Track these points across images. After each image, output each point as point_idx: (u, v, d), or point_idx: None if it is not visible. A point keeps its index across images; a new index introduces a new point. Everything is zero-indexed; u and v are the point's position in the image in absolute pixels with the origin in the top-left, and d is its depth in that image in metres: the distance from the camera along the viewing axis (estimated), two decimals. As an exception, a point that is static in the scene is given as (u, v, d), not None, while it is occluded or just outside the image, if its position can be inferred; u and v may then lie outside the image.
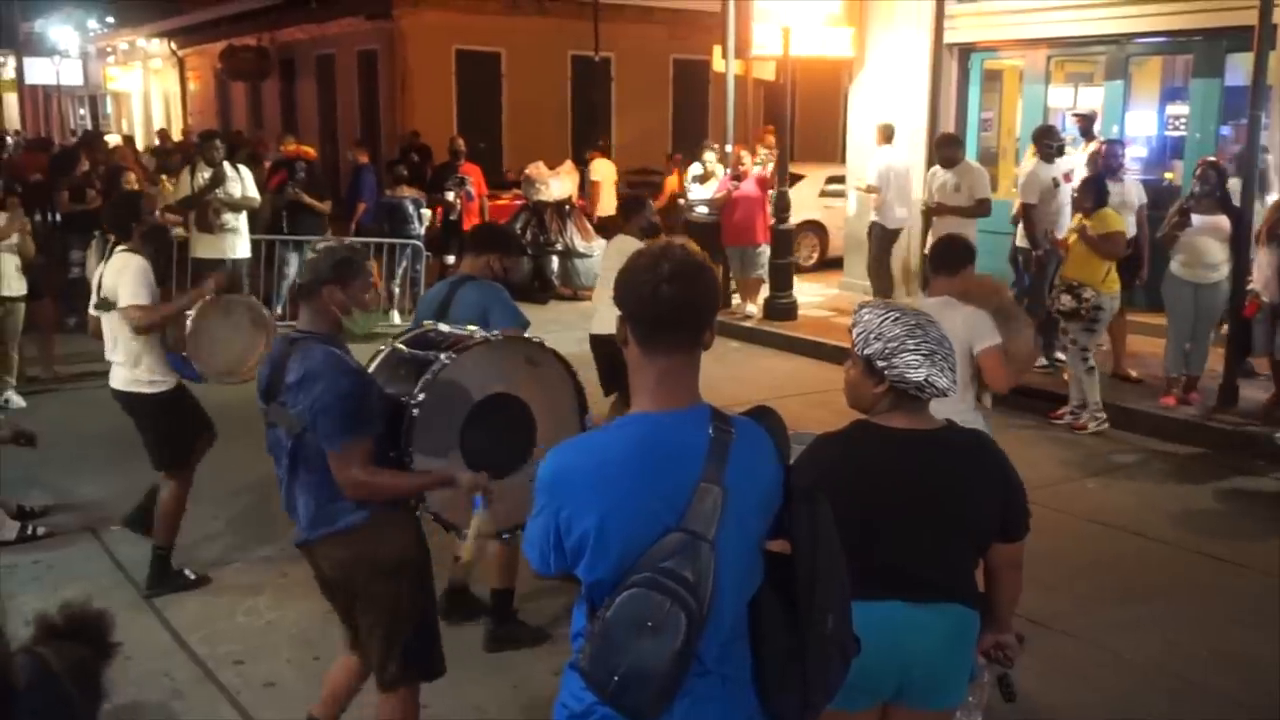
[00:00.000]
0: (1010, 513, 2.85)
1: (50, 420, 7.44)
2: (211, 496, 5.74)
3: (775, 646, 2.27)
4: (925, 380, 2.69)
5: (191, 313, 5.41)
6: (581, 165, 15.43)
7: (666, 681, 2.06)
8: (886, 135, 11.44)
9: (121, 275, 5.30)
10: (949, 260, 4.82)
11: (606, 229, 13.21)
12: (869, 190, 11.37)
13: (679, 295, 2.16)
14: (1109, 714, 4.44)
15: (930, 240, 9.59)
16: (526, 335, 4.19)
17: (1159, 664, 4.84)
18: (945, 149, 9.79)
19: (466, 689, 4.46)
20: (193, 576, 5.50)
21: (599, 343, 6.89)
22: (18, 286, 8.39)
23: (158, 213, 9.66)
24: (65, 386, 9.09)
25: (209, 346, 5.42)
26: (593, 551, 2.13)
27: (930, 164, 10.31)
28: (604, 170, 14.91)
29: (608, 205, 14.65)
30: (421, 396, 3.49)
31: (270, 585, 5.48)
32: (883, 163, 11.32)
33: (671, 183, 14.72)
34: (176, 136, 21.68)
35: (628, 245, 6.65)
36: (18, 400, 8.44)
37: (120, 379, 5.46)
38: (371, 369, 3.75)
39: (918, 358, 2.68)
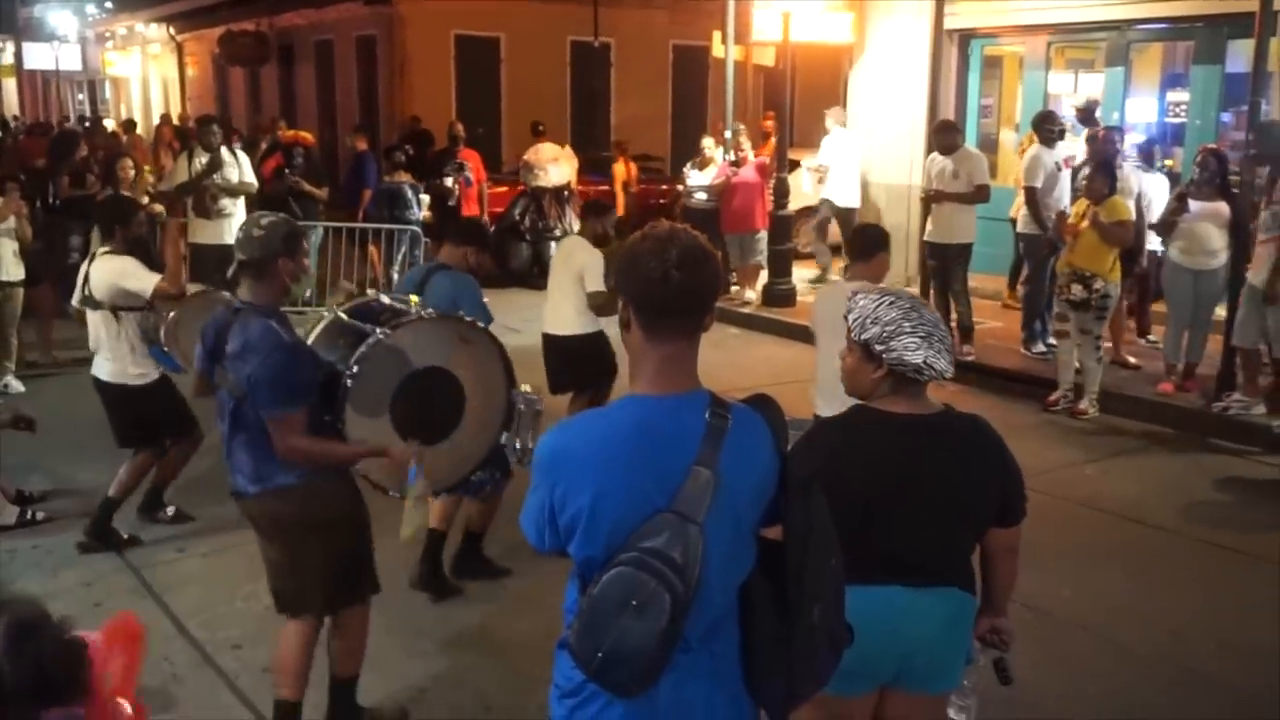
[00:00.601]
0: (1008, 498, 2.85)
1: (49, 406, 7.43)
2: (209, 483, 5.73)
3: (764, 633, 2.28)
4: (924, 362, 2.69)
5: (171, 315, 5.65)
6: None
7: (651, 660, 2.07)
8: (840, 119, 12.43)
9: (118, 276, 5.62)
10: (863, 247, 5.18)
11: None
12: (817, 170, 12.22)
13: (687, 281, 2.16)
14: (1109, 703, 4.44)
15: (930, 226, 9.61)
16: (460, 315, 4.49)
17: (1160, 652, 4.84)
18: (943, 135, 9.77)
19: (467, 676, 4.48)
20: (125, 536, 5.82)
21: (551, 342, 6.82)
22: (16, 272, 8.39)
23: (145, 198, 9.68)
24: (64, 371, 9.06)
25: (189, 338, 5.48)
26: (584, 530, 2.15)
27: (929, 151, 10.29)
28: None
29: None
30: (356, 367, 3.76)
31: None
32: (835, 143, 12.13)
33: (619, 171, 14.59)
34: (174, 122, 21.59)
35: (578, 248, 6.74)
36: (16, 385, 8.45)
37: (106, 371, 5.77)
38: (313, 336, 4.07)
39: (915, 340, 2.69)
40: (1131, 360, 8.97)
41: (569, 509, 2.16)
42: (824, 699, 2.42)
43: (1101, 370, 8.15)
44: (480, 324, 4.45)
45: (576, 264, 6.62)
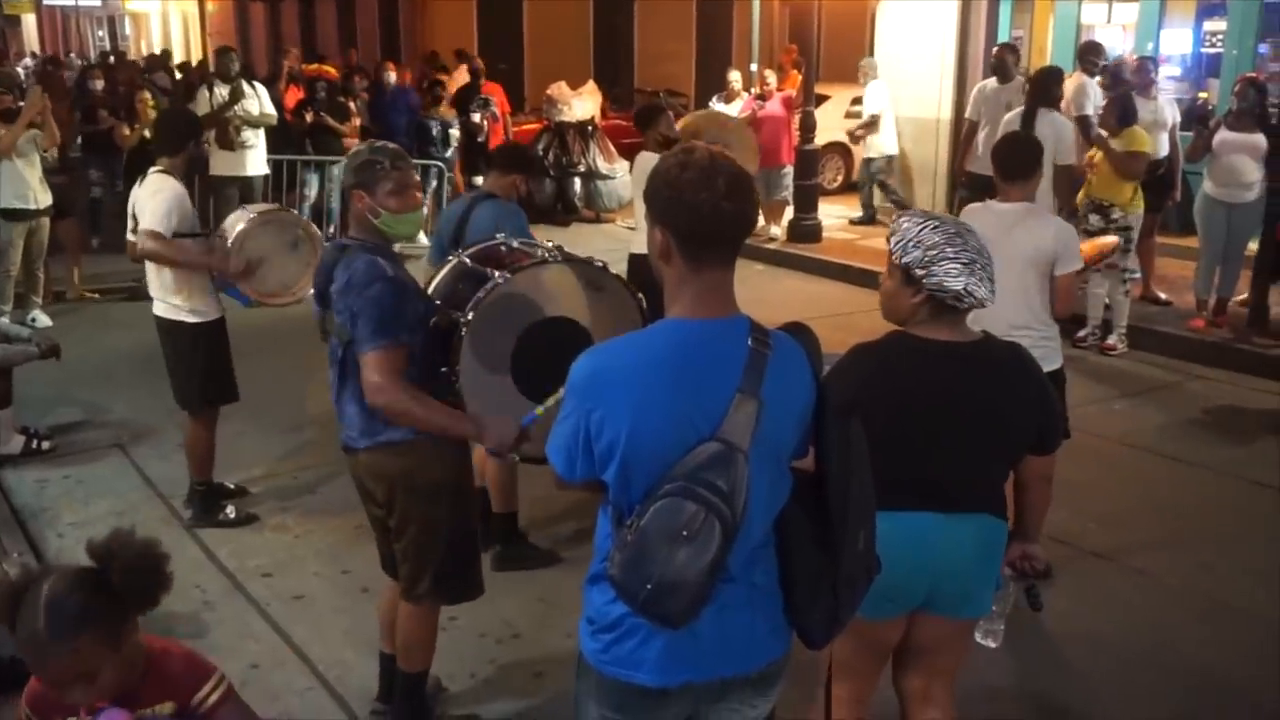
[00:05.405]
0: (1045, 426, 2.82)
1: (77, 338, 7.48)
2: (242, 412, 5.73)
3: (805, 563, 2.25)
4: (964, 289, 2.63)
5: (239, 228, 5.04)
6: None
7: (699, 590, 2.03)
8: (875, 71, 11.89)
9: (152, 199, 4.97)
10: (1022, 164, 4.40)
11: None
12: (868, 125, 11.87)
13: (736, 211, 2.11)
14: (1138, 632, 4.43)
15: (979, 153, 9.17)
16: (589, 258, 3.94)
17: (1190, 585, 4.82)
18: (1003, 57, 9.40)
19: (496, 601, 4.51)
20: (232, 515, 5.31)
21: (634, 262, 6.48)
22: (44, 199, 8.31)
23: None
24: (91, 304, 9.16)
25: (257, 268, 5.10)
26: (623, 456, 2.08)
27: (959, 83, 10.05)
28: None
29: None
30: (471, 315, 3.44)
31: (299, 502, 5.53)
32: (879, 93, 11.87)
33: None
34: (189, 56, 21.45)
35: (649, 161, 6.34)
36: (44, 318, 8.48)
37: (161, 307, 5.14)
38: (435, 281, 3.74)
39: (957, 266, 2.63)
40: (1162, 296, 8.87)
41: (606, 434, 2.09)
42: (855, 623, 2.42)
43: (1129, 304, 8.06)
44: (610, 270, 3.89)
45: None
